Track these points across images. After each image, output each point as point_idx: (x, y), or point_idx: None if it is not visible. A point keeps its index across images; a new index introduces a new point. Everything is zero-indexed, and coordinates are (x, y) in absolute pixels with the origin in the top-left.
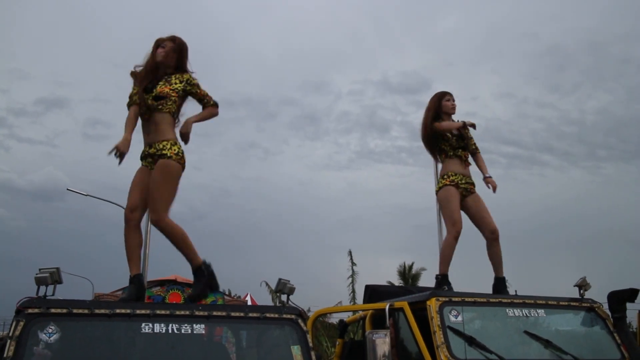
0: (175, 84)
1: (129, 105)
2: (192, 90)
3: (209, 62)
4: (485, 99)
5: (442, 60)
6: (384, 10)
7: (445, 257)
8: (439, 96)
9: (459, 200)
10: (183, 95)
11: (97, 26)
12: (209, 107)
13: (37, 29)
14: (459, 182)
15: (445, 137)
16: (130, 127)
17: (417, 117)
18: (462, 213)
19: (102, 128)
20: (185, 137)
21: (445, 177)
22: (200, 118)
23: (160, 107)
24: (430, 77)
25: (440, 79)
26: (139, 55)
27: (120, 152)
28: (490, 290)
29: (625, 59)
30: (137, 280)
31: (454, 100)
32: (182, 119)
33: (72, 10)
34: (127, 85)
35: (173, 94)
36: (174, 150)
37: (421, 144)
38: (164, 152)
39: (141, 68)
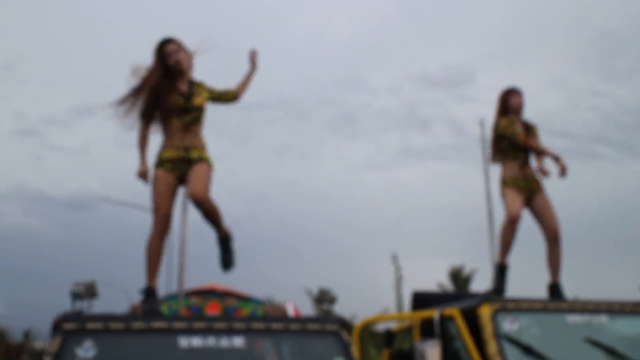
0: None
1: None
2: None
3: (238, 62)
4: (533, 89)
5: (485, 51)
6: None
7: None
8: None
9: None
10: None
11: (126, 29)
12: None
13: (66, 35)
14: (519, 184)
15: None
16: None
17: (460, 111)
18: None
19: (134, 133)
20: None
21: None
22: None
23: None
24: (473, 69)
25: (484, 71)
26: None
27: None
28: (544, 295)
29: None
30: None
31: (517, 97)
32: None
33: (102, 14)
34: None
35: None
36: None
37: (465, 139)
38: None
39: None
